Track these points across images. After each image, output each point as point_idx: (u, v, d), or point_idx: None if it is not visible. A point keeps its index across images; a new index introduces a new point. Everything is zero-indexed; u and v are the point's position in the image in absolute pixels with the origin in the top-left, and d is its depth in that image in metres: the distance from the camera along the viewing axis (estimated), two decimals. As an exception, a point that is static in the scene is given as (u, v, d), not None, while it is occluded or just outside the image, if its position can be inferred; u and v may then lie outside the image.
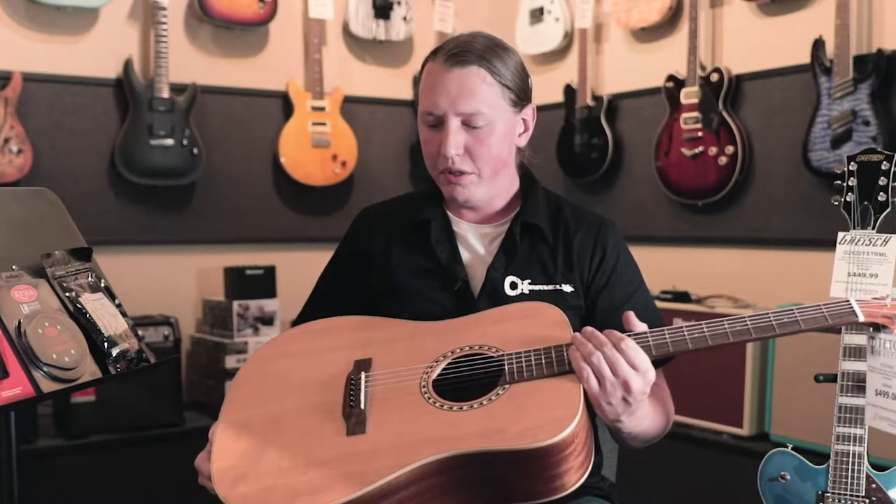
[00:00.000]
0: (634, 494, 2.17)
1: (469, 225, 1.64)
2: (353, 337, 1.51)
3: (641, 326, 1.37)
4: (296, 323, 1.76)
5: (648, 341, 1.35)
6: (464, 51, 1.52)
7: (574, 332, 1.38)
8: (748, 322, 1.35)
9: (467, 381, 1.39)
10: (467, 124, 1.52)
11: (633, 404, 1.32)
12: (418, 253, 1.62)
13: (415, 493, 1.27)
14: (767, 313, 1.36)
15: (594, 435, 1.39)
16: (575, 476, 1.29)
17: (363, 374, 1.42)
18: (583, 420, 1.28)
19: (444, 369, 1.41)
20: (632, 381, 1.29)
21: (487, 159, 1.54)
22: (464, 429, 1.29)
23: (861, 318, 1.37)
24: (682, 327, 1.36)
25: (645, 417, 1.40)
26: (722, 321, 1.35)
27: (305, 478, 1.29)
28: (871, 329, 1.44)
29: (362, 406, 1.37)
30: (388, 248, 1.65)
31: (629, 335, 1.34)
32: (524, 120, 1.60)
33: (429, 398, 1.36)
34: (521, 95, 1.57)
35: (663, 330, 1.36)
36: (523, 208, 1.62)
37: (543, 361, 1.35)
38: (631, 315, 1.38)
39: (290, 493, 1.27)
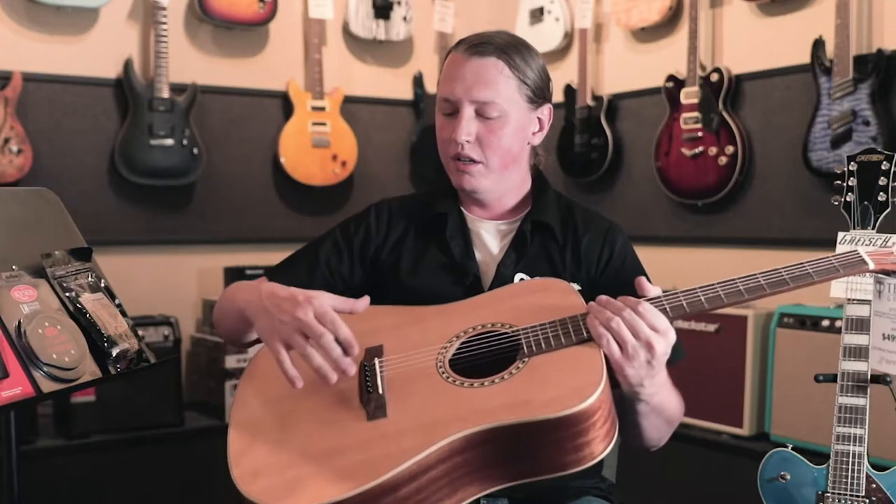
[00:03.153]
0: (634, 494, 2.17)
1: (483, 221, 1.65)
2: (358, 326, 1.48)
3: (655, 291, 1.37)
4: (272, 274, 1.67)
5: (664, 304, 1.35)
6: (485, 42, 1.55)
7: None
8: (760, 278, 1.35)
9: (484, 358, 1.38)
10: (481, 114, 1.54)
11: (656, 367, 1.32)
12: (432, 247, 1.63)
13: (444, 471, 1.25)
14: (779, 269, 1.37)
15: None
16: (601, 445, 1.28)
17: (376, 360, 1.40)
18: (607, 387, 1.28)
19: (458, 349, 1.40)
20: (654, 342, 1.29)
21: (497, 150, 1.56)
22: (488, 403, 1.27)
23: (871, 266, 1.40)
24: (696, 288, 1.36)
25: (664, 385, 1.39)
26: (734, 279, 1.36)
27: (331, 465, 1.26)
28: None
29: (380, 390, 1.35)
30: (403, 240, 1.65)
31: (645, 299, 1.34)
32: (539, 119, 1.62)
33: (447, 377, 1.35)
34: (539, 94, 1.59)
35: (677, 292, 1.36)
36: (534, 207, 1.64)
37: (560, 332, 1.35)
38: (643, 280, 1.38)
39: (316, 482, 1.24)
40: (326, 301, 1.34)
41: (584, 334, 1.33)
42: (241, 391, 1.46)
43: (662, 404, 1.42)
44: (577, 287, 1.56)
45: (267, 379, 1.44)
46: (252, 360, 1.50)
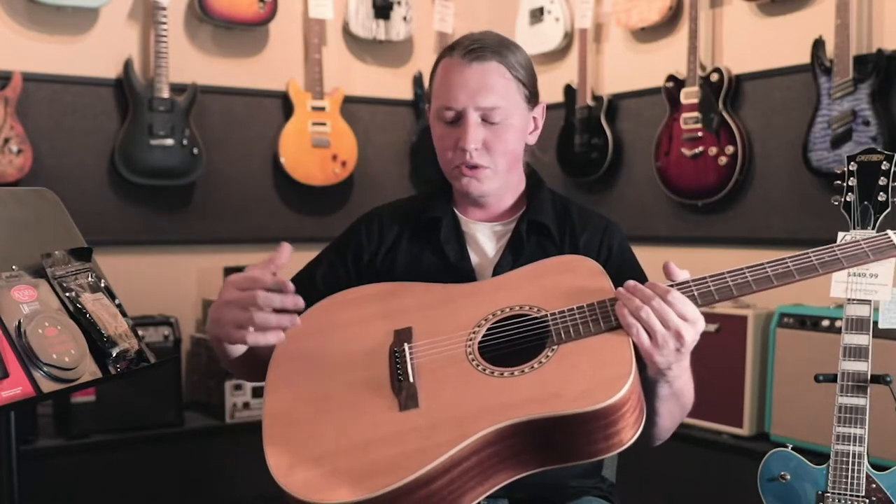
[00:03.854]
0: (634, 494, 2.17)
1: (478, 223, 1.64)
2: (385, 305, 1.47)
3: (683, 274, 1.37)
4: None
5: (692, 290, 1.34)
6: (481, 46, 1.54)
7: None
8: (790, 263, 1.34)
9: (513, 344, 1.38)
10: (485, 119, 1.53)
11: (685, 354, 1.32)
12: (427, 251, 1.62)
13: (476, 462, 1.26)
14: (808, 252, 1.35)
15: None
16: (630, 432, 1.28)
17: (406, 346, 1.40)
18: (636, 378, 1.28)
19: (486, 333, 1.39)
20: (684, 332, 1.29)
21: (504, 154, 1.55)
22: (519, 395, 1.27)
23: None
24: (723, 273, 1.35)
25: (687, 369, 1.40)
26: (763, 265, 1.35)
27: (366, 458, 1.26)
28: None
29: (411, 379, 1.35)
30: (397, 245, 1.65)
31: (672, 285, 1.34)
32: (534, 118, 1.62)
33: (477, 365, 1.34)
34: (533, 92, 1.60)
35: (705, 277, 1.36)
36: (529, 207, 1.63)
37: (589, 319, 1.34)
38: (671, 265, 1.38)
39: (353, 476, 1.24)
40: (244, 272, 1.36)
41: (613, 321, 1.33)
42: (270, 379, 1.44)
43: (682, 389, 1.43)
44: None
45: (293, 364, 1.44)
46: (277, 346, 1.47)
